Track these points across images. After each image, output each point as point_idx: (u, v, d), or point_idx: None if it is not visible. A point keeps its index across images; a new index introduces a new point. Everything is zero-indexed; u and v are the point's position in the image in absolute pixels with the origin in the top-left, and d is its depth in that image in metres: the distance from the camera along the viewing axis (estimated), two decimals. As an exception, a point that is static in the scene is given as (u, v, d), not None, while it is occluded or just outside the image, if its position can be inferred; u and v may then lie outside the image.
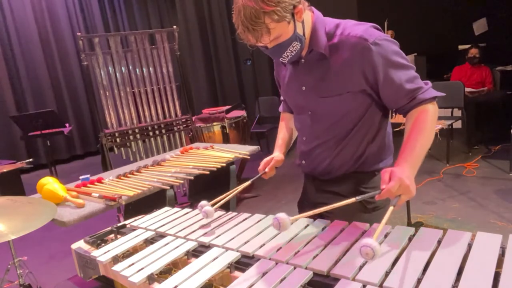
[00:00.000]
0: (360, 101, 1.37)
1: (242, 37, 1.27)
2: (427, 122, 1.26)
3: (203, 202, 1.52)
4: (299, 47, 1.33)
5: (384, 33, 1.33)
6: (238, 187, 1.64)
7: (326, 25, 1.37)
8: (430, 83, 1.33)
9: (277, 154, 1.67)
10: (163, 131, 4.32)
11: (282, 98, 1.79)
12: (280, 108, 1.83)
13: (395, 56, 1.29)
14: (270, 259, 1.16)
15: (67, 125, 5.46)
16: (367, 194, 1.20)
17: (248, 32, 1.23)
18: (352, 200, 1.17)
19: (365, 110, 1.39)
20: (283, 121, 1.79)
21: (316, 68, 1.39)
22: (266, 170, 1.63)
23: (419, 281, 0.92)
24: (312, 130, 1.49)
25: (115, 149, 4.11)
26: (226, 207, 1.68)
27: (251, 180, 1.65)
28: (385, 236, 1.16)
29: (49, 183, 2.26)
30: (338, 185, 1.49)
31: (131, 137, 4.14)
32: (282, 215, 1.15)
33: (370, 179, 1.47)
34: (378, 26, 1.34)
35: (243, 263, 1.19)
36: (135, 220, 1.75)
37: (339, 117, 1.41)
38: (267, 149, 5.90)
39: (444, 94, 1.34)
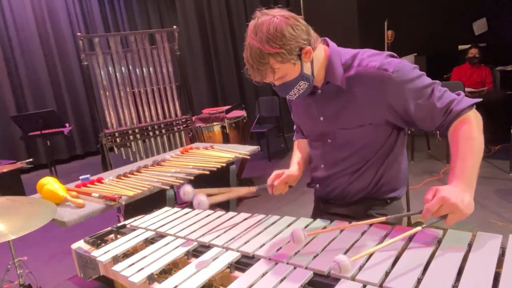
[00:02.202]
0: (381, 131, 1.36)
1: (249, 73, 1.30)
2: (472, 131, 1.17)
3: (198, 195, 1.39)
4: (306, 86, 1.33)
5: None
6: (237, 190, 1.56)
7: (341, 56, 1.35)
8: (462, 93, 1.26)
9: (291, 169, 1.58)
10: (163, 131, 4.32)
11: (295, 127, 1.75)
12: (295, 137, 1.78)
13: (418, 80, 1.25)
14: (270, 259, 1.16)
15: (67, 125, 5.46)
16: (406, 213, 1.23)
17: (254, 70, 1.27)
18: (382, 219, 1.14)
19: (386, 139, 1.38)
20: (299, 144, 1.72)
21: (334, 100, 1.37)
22: (275, 183, 1.53)
23: (419, 281, 0.92)
24: (332, 157, 1.47)
25: (115, 149, 4.12)
26: (226, 207, 1.67)
27: (256, 188, 1.52)
28: (385, 236, 1.16)
29: (49, 183, 2.26)
30: (349, 209, 1.48)
31: (131, 137, 4.14)
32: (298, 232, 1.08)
33: (382, 206, 1.46)
34: (394, 54, 1.31)
35: (243, 263, 1.19)
36: (135, 220, 1.75)
37: (360, 147, 1.39)
38: (267, 149, 5.91)
39: (480, 100, 1.25)
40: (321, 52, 1.36)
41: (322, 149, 1.50)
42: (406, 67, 1.25)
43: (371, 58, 1.29)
